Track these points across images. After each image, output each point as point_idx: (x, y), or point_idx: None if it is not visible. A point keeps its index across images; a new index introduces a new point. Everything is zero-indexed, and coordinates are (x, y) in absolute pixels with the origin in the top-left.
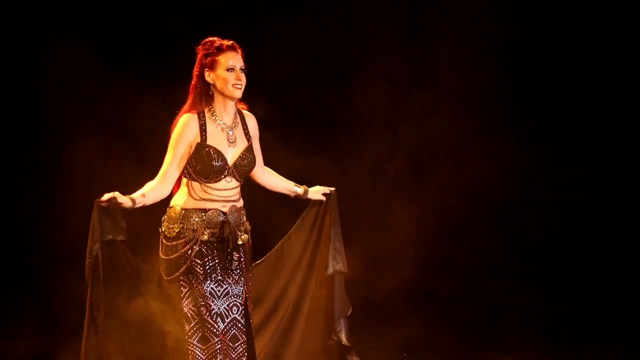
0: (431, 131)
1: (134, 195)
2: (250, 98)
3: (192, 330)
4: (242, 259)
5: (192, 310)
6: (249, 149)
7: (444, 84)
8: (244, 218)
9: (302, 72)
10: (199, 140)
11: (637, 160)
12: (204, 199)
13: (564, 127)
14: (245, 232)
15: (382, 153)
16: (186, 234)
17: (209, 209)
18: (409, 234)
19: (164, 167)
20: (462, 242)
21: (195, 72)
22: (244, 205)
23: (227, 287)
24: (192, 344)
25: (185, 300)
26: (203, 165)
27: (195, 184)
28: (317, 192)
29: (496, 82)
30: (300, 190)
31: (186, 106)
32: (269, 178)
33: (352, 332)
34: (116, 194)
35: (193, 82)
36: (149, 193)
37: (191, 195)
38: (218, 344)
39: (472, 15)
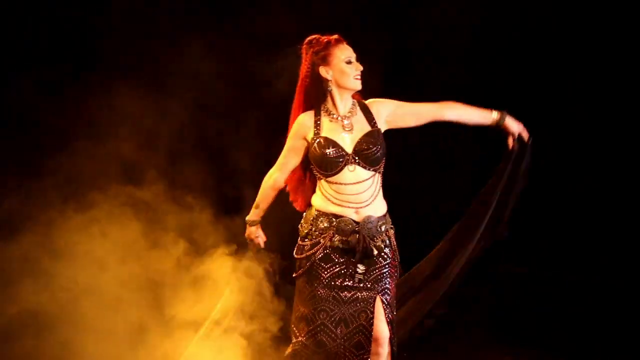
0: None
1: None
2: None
3: (309, 334)
4: (374, 269)
5: (311, 313)
6: (372, 134)
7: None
8: (385, 227)
9: None
10: (312, 135)
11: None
12: (334, 202)
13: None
14: (383, 242)
15: None
16: (314, 235)
17: (341, 216)
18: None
19: (280, 159)
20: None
21: (305, 71)
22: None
23: (355, 293)
24: (306, 345)
25: (305, 302)
26: (317, 156)
27: (324, 184)
28: (513, 125)
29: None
30: (496, 116)
31: (295, 106)
32: (453, 114)
33: None
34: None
35: (303, 84)
36: (267, 196)
37: (324, 196)
38: (334, 349)
39: None
